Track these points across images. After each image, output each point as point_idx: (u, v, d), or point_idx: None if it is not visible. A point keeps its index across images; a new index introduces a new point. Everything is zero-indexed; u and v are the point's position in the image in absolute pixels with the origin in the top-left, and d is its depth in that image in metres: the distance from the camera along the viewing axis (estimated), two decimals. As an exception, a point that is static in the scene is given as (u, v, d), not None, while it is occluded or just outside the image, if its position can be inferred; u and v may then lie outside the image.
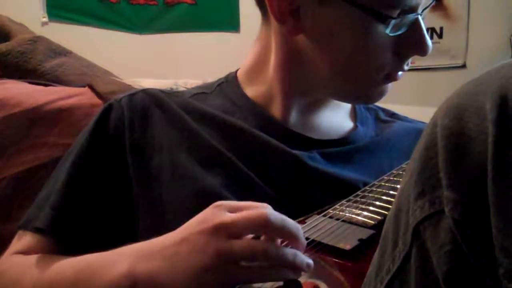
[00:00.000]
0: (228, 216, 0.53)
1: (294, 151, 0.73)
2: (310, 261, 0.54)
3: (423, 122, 0.87)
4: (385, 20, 0.66)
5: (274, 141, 0.73)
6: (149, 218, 0.70)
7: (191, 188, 0.69)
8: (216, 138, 0.73)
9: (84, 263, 0.63)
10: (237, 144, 0.73)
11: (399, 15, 0.67)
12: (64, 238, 0.70)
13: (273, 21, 0.73)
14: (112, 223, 0.71)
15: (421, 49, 0.70)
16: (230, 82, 0.82)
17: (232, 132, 0.74)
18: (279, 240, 0.55)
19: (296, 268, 0.53)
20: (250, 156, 0.72)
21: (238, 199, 0.66)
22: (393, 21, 0.66)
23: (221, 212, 0.54)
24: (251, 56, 0.80)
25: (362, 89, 0.75)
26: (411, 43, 0.70)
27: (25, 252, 0.70)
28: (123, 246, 0.61)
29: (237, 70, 0.83)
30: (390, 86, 0.75)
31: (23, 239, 0.71)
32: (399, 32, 0.68)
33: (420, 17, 0.69)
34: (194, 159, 0.71)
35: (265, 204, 0.55)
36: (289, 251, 0.53)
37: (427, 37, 0.70)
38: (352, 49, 0.69)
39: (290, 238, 0.54)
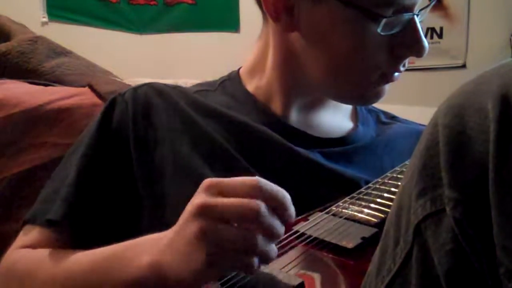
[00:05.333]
0: (215, 200, 0.52)
1: (296, 148, 0.73)
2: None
3: (423, 125, 0.87)
4: (375, 19, 0.66)
5: (276, 137, 0.73)
6: (153, 212, 0.70)
7: (194, 182, 0.68)
8: (219, 132, 0.73)
9: (100, 255, 0.63)
10: (240, 139, 0.73)
11: (393, 14, 0.66)
12: (77, 230, 0.70)
13: (270, 20, 0.73)
14: (118, 217, 0.72)
15: (417, 50, 0.69)
16: (232, 79, 0.82)
17: (235, 127, 0.74)
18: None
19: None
20: (253, 151, 0.72)
21: None
22: (384, 20, 0.65)
23: (208, 194, 0.53)
24: (252, 54, 0.81)
25: (356, 90, 0.74)
26: (406, 43, 0.69)
27: (32, 246, 0.69)
28: (131, 239, 0.61)
29: (239, 68, 0.84)
30: (388, 87, 0.75)
31: (30, 234, 0.71)
32: (392, 32, 0.67)
33: (416, 17, 0.68)
34: (197, 152, 0.71)
35: (256, 180, 0.53)
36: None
37: (423, 38, 0.69)
38: (344, 49, 0.69)
39: (278, 204, 0.53)
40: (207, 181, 0.54)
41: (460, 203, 0.39)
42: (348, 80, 0.72)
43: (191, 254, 0.52)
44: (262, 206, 0.51)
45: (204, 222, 0.51)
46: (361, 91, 0.74)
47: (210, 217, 0.51)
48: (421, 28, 0.69)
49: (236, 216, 0.51)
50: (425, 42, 0.69)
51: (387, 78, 0.72)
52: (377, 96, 0.75)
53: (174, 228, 0.56)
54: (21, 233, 0.73)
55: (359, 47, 0.68)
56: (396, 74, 0.72)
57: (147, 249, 0.58)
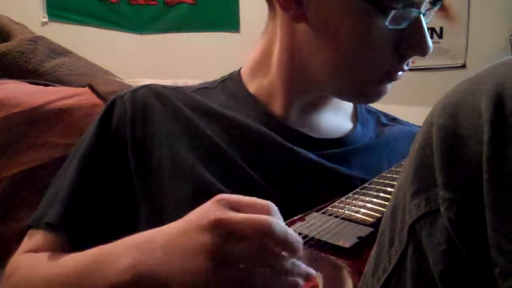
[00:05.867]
0: (229, 215, 0.52)
1: (295, 148, 0.73)
2: (312, 272, 0.54)
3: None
4: (384, 11, 0.66)
5: (275, 137, 0.74)
6: (150, 213, 0.70)
7: (191, 184, 0.69)
8: (217, 133, 0.73)
9: (86, 257, 0.63)
10: (237, 139, 0.73)
11: (401, 8, 0.66)
12: (74, 232, 0.71)
13: (278, 13, 0.73)
14: (115, 219, 0.72)
15: (421, 49, 0.70)
16: (233, 79, 0.82)
17: (234, 128, 0.74)
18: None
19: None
20: (251, 151, 0.73)
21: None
22: (392, 12, 0.66)
23: (222, 208, 0.53)
24: (255, 51, 0.81)
25: (359, 86, 0.74)
26: (411, 41, 0.69)
27: (36, 250, 0.70)
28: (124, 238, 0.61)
29: (241, 68, 0.84)
30: (390, 87, 0.75)
31: (34, 238, 0.72)
32: (399, 26, 0.67)
33: (422, 16, 0.69)
34: (195, 154, 0.71)
35: (268, 203, 0.54)
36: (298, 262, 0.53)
37: (428, 37, 0.69)
38: (351, 41, 0.69)
39: (291, 251, 0.53)
40: (220, 196, 0.55)
41: (454, 204, 0.39)
42: (352, 75, 0.72)
43: (195, 265, 0.52)
44: (273, 222, 0.52)
45: (219, 240, 0.51)
46: (364, 88, 0.74)
47: (225, 235, 0.51)
48: (426, 27, 0.69)
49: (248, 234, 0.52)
50: (430, 41, 0.70)
51: (390, 76, 0.72)
52: (378, 94, 0.75)
53: (177, 227, 0.56)
54: (26, 237, 0.74)
55: (366, 41, 0.69)
56: (400, 73, 0.73)
57: (129, 251, 0.58)
